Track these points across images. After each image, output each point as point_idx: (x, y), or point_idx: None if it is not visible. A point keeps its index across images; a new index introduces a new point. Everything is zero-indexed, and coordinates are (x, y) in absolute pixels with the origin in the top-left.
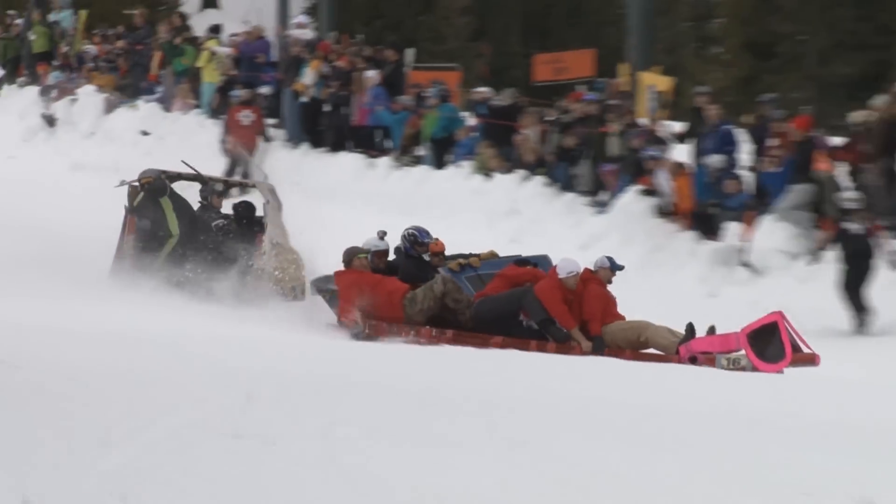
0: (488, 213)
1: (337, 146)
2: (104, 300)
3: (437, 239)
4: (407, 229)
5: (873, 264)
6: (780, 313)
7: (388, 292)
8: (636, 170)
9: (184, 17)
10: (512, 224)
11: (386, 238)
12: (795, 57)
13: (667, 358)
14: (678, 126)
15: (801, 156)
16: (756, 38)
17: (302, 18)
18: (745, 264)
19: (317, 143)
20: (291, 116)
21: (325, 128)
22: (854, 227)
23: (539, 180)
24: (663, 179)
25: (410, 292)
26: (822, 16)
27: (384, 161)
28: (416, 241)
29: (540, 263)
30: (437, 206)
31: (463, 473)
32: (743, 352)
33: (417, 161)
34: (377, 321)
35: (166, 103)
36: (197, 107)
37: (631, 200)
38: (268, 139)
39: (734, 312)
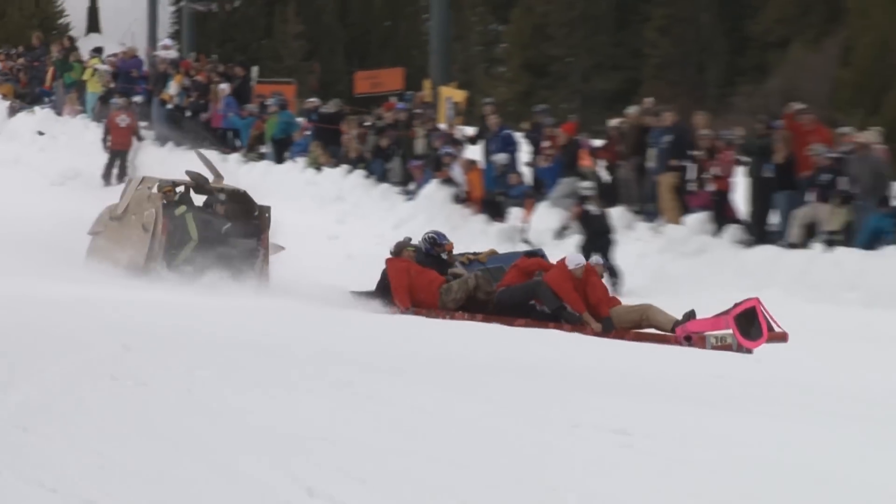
0: (319, 199)
1: (196, 144)
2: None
3: (449, 241)
4: (427, 233)
5: (612, 238)
6: (756, 299)
7: (428, 280)
8: (437, 165)
9: (72, 39)
10: (338, 209)
11: (412, 242)
12: (564, 75)
13: (664, 337)
14: (470, 130)
15: (568, 154)
16: (532, 60)
17: (167, 41)
18: (525, 241)
19: (179, 142)
20: (159, 120)
21: (187, 129)
22: (592, 209)
23: (359, 173)
24: (458, 173)
25: (446, 284)
26: (585, 42)
27: (234, 157)
28: (436, 242)
29: (538, 254)
30: (277, 194)
31: (299, 408)
32: (730, 331)
33: (261, 157)
34: (416, 306)
35: (58, 109)
36: (83, 112)
37: (433, 190)
38: (140, 138)
39: None
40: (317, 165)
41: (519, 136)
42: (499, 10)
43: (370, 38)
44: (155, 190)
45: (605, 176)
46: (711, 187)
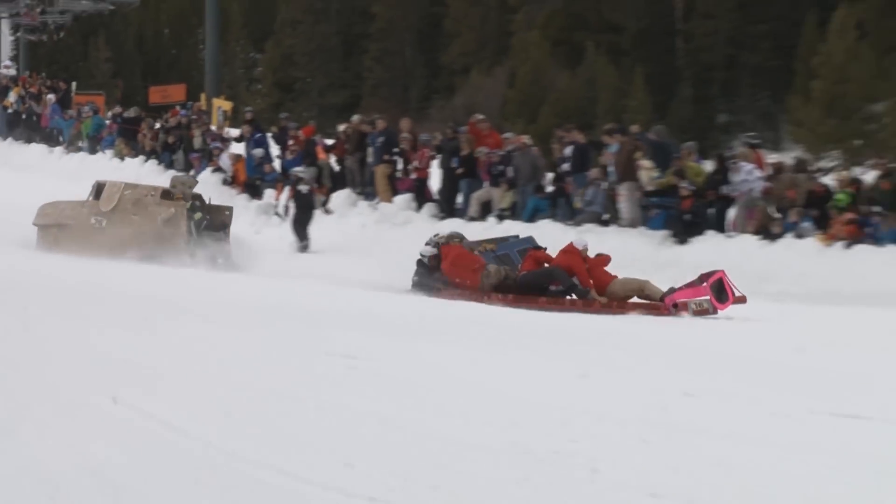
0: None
1: (30, 140)
2: None
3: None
4: (451, 232)
5: (313, 213)
6: (722, 271)
7: (472, 259)
8: (210, 157)
9: None
10: None
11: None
12: (305, 91)
13: (657, 306)
14: (235, 132)
15: (308, 150)
16: (282, 80)
17: (7, 62)
18: (277, 214)
19: (17, 137)
20: (1, 122)
21: (23, 129)
22: (303, 188)
23: (153, 162)
24: (226, 163)
25: (486, 268)
26: (321, 67)
27: (59, 150)
28: (455, 236)
29: (530, 241)
30: (93, 178)
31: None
32: (707, 297)
33: (79, 149)
34: (460, 283)
35: None
36: None
37: (208, 175)
38: None
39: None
40: (121, 156)
41: (270, 137)
42: (256, 42)
43: (160, 62)
44: (158, 195)
45: (336, 167)
46: (414, 175)
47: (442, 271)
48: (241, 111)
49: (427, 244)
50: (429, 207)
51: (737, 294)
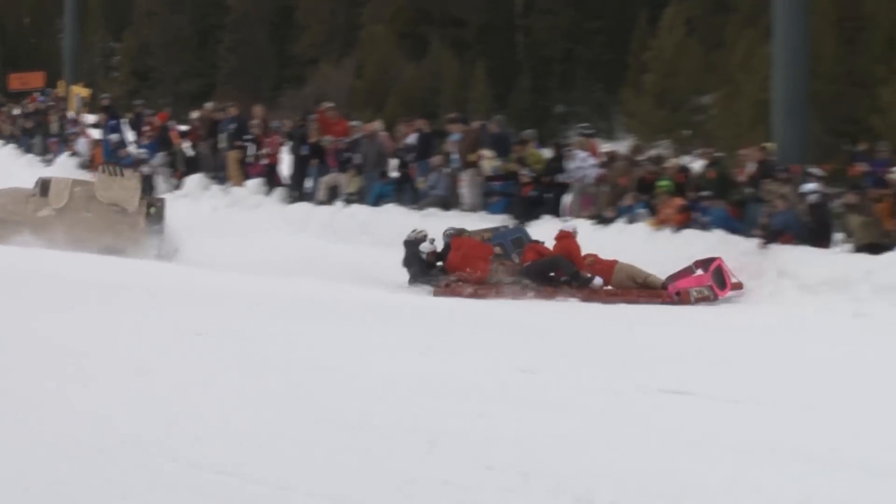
0: None
1: None
2: None
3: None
4: (447, 228)
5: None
6: (720, 258)
7: (485, 249)
8: (67, 142)
9: None
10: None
11: (435, 242)
12: (161, 80)
13: (659, 294)
14: (93, 118)
15: (162, 135)
16: (138, 68)
17: None
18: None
19: None
20: None
21: None
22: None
23: (11, 146)
24: (83, 147)
25: (495, 262)
26: (176, 56)
27: None
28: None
29: (524, 234)
30: None
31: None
32: (709, 284)
33: None
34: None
35: None
36: None
37: (65, 159)
38: None
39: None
40: None
41: (126, 123)
42: (115, 32)
43: (20, 50)
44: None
45: (190, 151)
46: (265, 161)
47: (446, 263)
48: (98, 98)
49: (417, 238)
50: (279, 192)
51: (734, 280)
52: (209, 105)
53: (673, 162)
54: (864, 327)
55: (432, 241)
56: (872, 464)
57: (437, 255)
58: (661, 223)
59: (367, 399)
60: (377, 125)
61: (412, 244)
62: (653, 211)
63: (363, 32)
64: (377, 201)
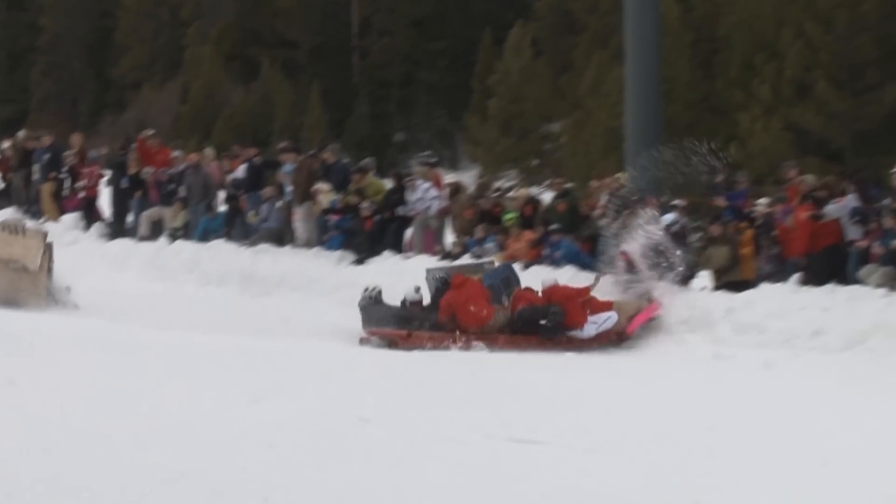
0: None
1: None
2: None
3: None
4: (434, 275)
5: None
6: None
7: (487, 295)
8: None
9: None
10: None
11: (420, 291)
12: None
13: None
14: None
15: None
16: None
17: None
18: None
19: None
20: None
21: None
22: None
23: None
24: None
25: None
26: None
27: None
28: (445, 281)
29: (511, 273)
30: None
31: None
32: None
33: None
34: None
35: None
36: None
37: None
38: None
39: None
40: None
41: None
42: None
43: None
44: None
45: (1, 183)
46: (82, 194)
47: (440, 306)
48: None
49: (374, 295)
50: (98, 227)
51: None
52: (21, 133)
53: (521, 193)
54: (723, 371)
55: (417, 289)
56: None
57: (421, 305)
58: (510, 258)
59: (194, 453)
60: (206, 154)
61: (374, 301)
62: (501, 245)
63: (188, 54)
64: (204, 236)
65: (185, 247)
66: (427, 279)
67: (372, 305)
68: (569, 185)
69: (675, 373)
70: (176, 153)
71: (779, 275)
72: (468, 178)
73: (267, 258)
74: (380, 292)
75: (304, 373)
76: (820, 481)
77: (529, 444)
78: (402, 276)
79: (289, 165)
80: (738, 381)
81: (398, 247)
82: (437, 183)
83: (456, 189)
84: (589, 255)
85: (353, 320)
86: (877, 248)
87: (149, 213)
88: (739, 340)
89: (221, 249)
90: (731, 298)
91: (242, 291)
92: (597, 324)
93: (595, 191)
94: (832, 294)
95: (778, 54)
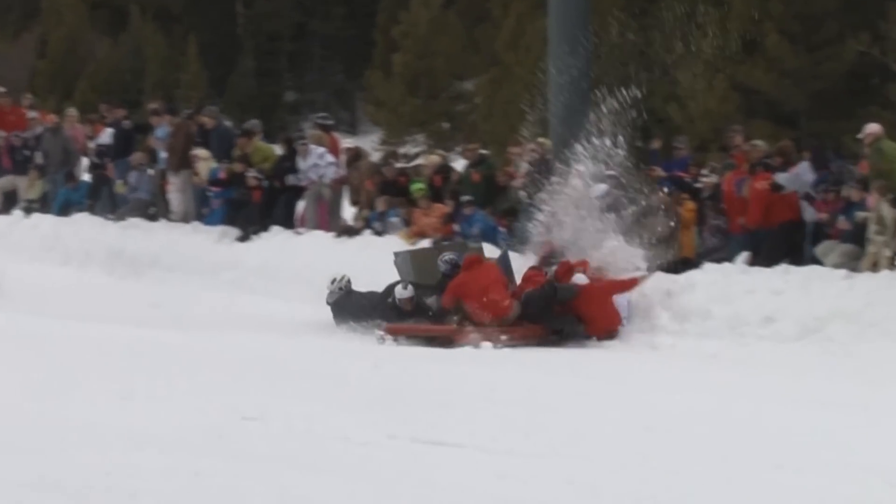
0: None
1: None
2: None
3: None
4: (443, 257)
5: None
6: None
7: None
8: None
9: None
10: None
11: (409, 287)
12: None
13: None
14: None
15: None
16: None
17: None
18: None
19: None
20: None
21: None
22: None
23: None
24: None
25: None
26: None
27: None
28: (456, 263)
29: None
30: None
31: None
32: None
33: None
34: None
35: None
36: None
37: None
38: None
39: None
40: None
41: None
42: None
43: None
44: None
45: None
46: None
47: (445, 293)
48: None
49: (344, 287)
50: None
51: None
52: None
53: (430, 160)
54: (661, 363)
55: (406, 285)
56: None
57: (412, 301)
58: (417, 235)
59: (48, 455)
60: (67, 115)
61: (345, 292)
62: (407, 221)
63: (45, 2)
64: (65, 209)
65: (43, 221)
66: (409, 262)
67: (345, 298)
68: (484, 152)
69: (606, 365)
70: (32, 114)
71: (722, 252)
72: (369, 143)
73: (137, 234)
74: (349, 281)
75: (180, 366)
76: (772, 488)
77: (438, 446)
78: (294, 254)
79: (162, 129)
80: (678, 374)
81: (289, 221)
82: (334, 149)
83: (355, 156)
84: (507, 231)
85: (238, 305)
86: (842, 223)
87: (1, 183)
88: (680, 329)
89: (84, 224)
90: (669, 280)
91: (109, 272)
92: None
93: (514, 158)
94: (785, 275)
95: (723, 3)
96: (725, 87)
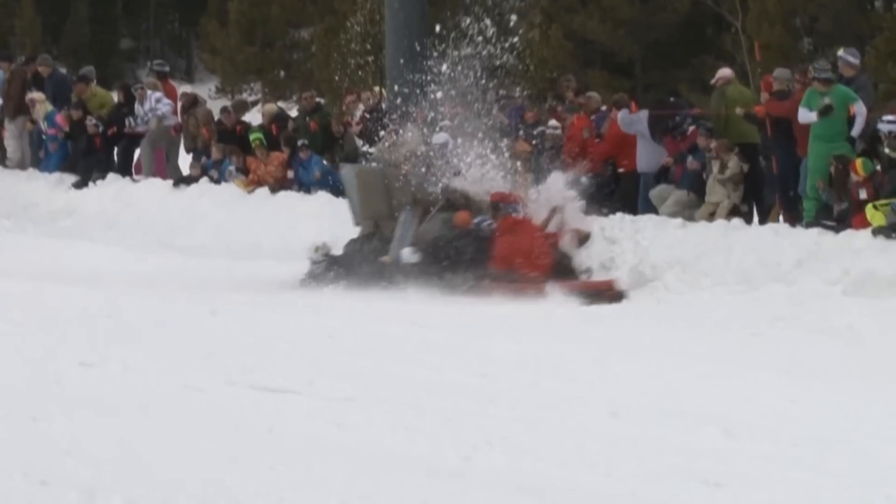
0: None
1: None
2: None
3: None
4: (481, 222)
5: None
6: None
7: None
8: None
9: None
10: None
11: (417, 253)
12: None
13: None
14: None
15: None
16: None
17: None
18: None
19: None
20: None
21: None
22: None
23: None
24: None
25: None
26: None
27: None
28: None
29: None
30: None
31: None
32: None
33: None
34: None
35: None
36: None
37: None
38: None
39: None
40: None
41: None
42: None
43: None
44: None
45: None
46: None
47: (499, 256)
48: None
49: (325, 250)
50: None
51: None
52: None
53: (266, 109)
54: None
55: (414, 251)
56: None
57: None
58: (254, 183)
59: None
60: None
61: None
62: (245, 169)
63: None
64: None
65: None
66: (354, 177)
67: (350, 254)
68: (320, 101)
69: (447, 317)
70: None
71: None
72: (205, 90)
73: None
74: (329, 249)
75: (18, 316)
76: (606, 435)
77: (277, 393)
78: (132, 201)
79: None
80: (517, 322)
81: (126, 169)
82: (171, 95)
83: (192, 102)
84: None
85: (78, 253)
86: (691, 163)
87: None
88: None
89: None
90: None
91: None
92: None
93: (350, 107)
94: (620, 224)
95: None
96: (560, 36)
